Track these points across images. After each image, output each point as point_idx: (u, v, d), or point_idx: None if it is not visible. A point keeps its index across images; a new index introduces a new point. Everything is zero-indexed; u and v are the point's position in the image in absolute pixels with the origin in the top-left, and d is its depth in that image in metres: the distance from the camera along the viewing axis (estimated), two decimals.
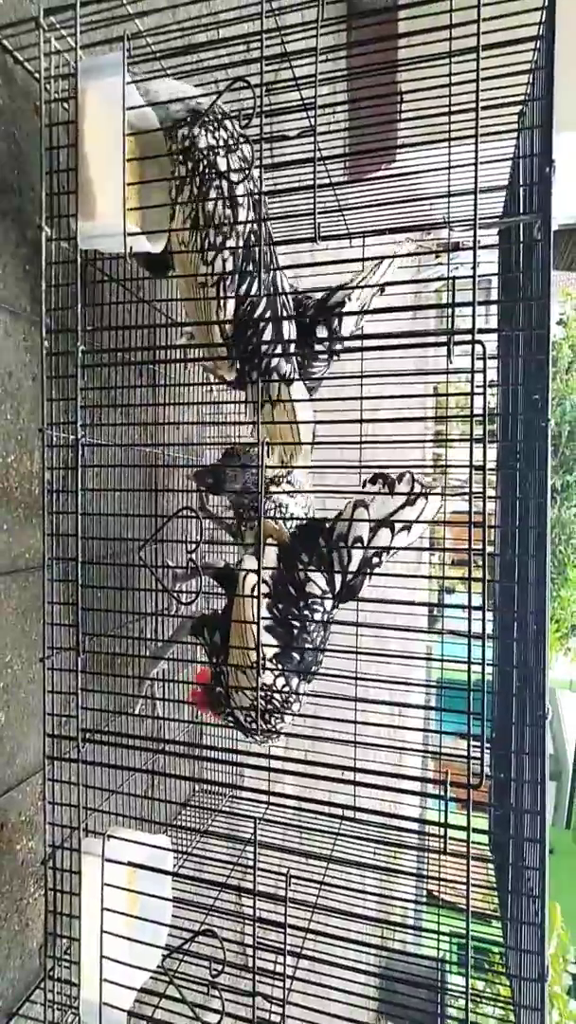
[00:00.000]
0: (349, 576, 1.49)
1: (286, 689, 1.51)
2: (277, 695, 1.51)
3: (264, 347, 1.51)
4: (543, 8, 1.31)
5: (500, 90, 1.56)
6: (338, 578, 1.49)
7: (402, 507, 1.46)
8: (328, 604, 1.51)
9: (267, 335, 1.51)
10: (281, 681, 1.50)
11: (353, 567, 1.47)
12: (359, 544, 1.46)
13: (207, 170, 1.41)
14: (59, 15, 1.31)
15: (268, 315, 1.52)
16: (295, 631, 1.50)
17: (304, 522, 1.69)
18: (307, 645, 1.50)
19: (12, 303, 1.47)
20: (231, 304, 1.49)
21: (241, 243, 1.46)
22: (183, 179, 1.42)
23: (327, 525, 1.52)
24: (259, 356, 1.51)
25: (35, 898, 1.55)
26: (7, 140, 1.43)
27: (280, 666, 1.50)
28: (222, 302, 1.48)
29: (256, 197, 1.44)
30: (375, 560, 1.49)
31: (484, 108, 1.07)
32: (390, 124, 1.72)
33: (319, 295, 1.73)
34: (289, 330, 1.57)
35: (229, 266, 1.45)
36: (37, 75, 1.36)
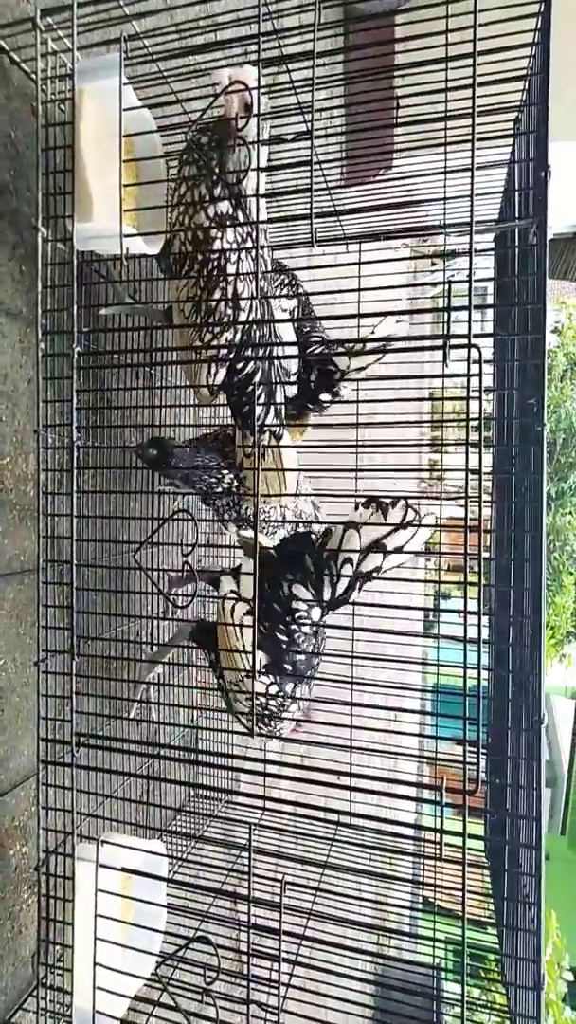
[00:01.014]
0: (338, 594, 1.48)
1: (280, 695, 1.51)
2: (273, 701, 1.51)
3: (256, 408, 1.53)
4: (539, 14, 1.31)
5: (496, 96, 1.57)
6: (327, 592, 1.49)
7: (394, 531, 1.45)
8: (316, 613, 1.50)
9: (261, 397, 1.53)
10: (275, 688, 1.50)
11: (341, 587, 1.47)
12: (349, 564, 1.45)
13: (215, 272, 1.42)
14: (56, 16, 1.31)
15: (261, 381, 1.53)
16: (284, 644, 1.49)
17: (289, 536, 1.68)
18: (298, 654, 1.50)
19: (8, 304, 1.46)
20: (222, 372, 1.51)
21: (239, 337, 1.48)
22: (191, 262, 1.44)
23: (315, 540, 1.51)
24: (253, 423, 1.53)
25: (28, 904, 1.54)
26: (3, 141, 1.43)
27: (271, 676, 1.49)
28: (213, 369, 1.49)
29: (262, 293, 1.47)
30: (363, 581, 1.49)
31: (480, 113, 1.07)
32: (387, 128, 1.72)
33: (319, 340, 1.77)
34: (283, 393, 1.59)
35: (224, 351, 1.47)
36: (34, 76, 1.36)
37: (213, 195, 1.38)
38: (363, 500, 1.50)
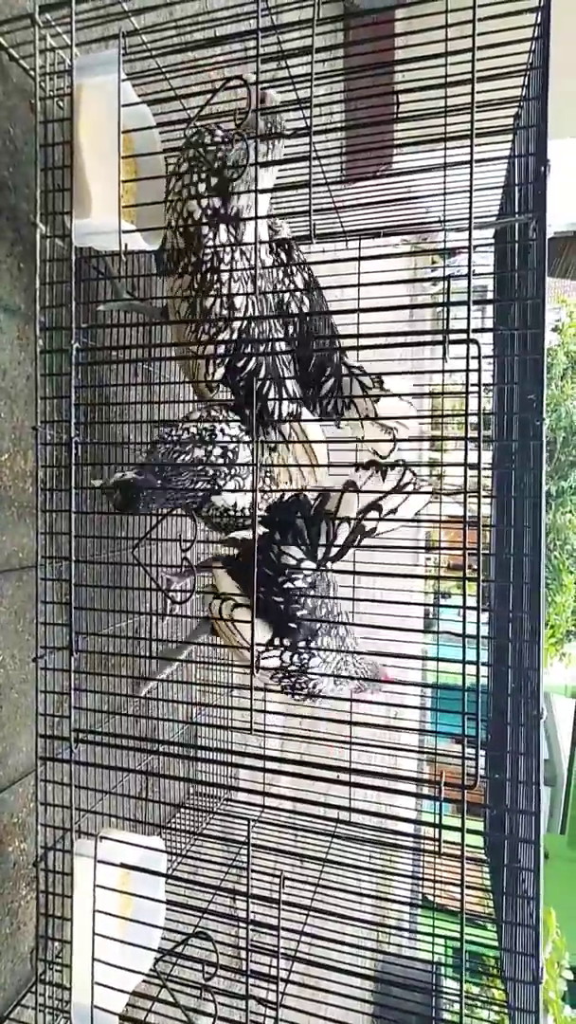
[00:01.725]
0: (334, 550, 1.49)
1: (296, 660, 1.50)
2: (293, 668, 1.51)
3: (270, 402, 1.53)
4: (539, 8, 1.31)
5: (496, 92, 1.57)
6: (321, 548, 1.49)
7: (391, 492, 1.47)
8: (309, 565, 1.50)
9: (270, 392, 1.53)
10: (288, 655, 1.49)
11: (340, 538, 1.48)
12: (346, 524, 1.47)
13: (209, 272, 1.43)
14: (54, 12, 1.31)
15: (267, 376, 1.54)
16: (282, 607, 1.48)
17: (275, 504, 1.68)
18: (299, 608, 1.49)
19: (6, 301, 1.46)
20: (220, 370, 1.51)
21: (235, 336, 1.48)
22: (185, 257, 1.44)
23: (308, 503, 1.52)
24: (268, 419, 1.54)
25: (27, 901, 1.54)
26: (2, 137, 1.42)
27: (279, 645, 1.49)
28: (212, 366, 1.49)
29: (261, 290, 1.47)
30: (361, 536, 1.50)
31: (480, 108, 1.07)
32: (386, 124, 1.72)
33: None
34: (293, 385, 1.59)
35: (221, 349, 1.47)
36: (32, 72, 1.36)
37: (209, 185, 1.39)
38: (363, 463, 1.52)
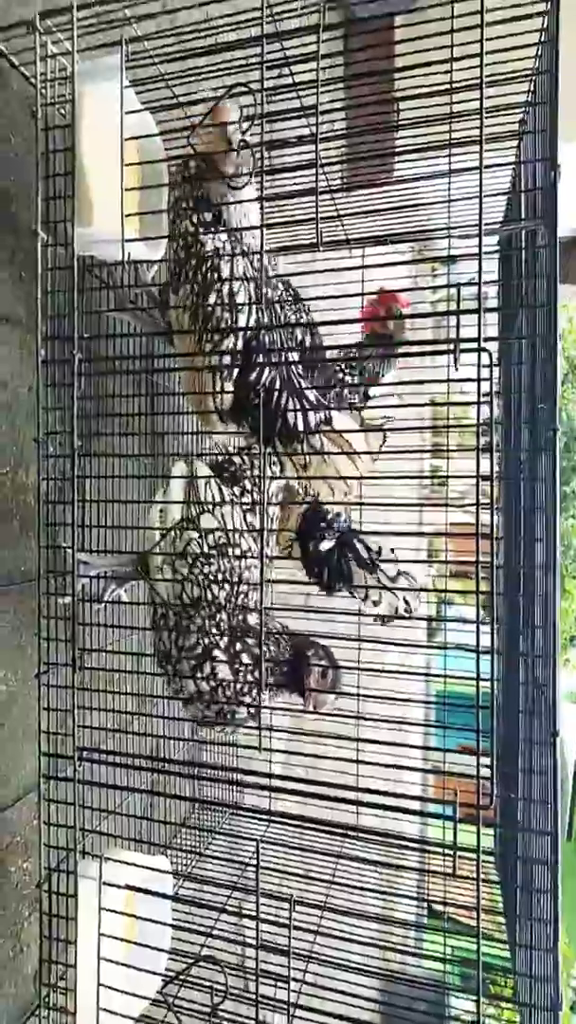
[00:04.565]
0: None
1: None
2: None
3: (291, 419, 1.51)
4: (546, 12, 1.29)
5: (501, 98, 1.55)
6: None
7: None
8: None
9: (289, 404, 1.51)
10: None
11: None
12: None
13: (209, 272, 1.41)
14: (55, 18, 1.29)
15: (283, 388, 1.51)
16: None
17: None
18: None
19: (7, 310, 1.44)
20: (228, 395, 1.48)
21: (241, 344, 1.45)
22: (185, 264, 1.43)
23: None
24: (292, 432, 1.51)
25: (30, 922, 1.51)
26: (3, 144, 1.41)
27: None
28: (219, 381, 1.47)
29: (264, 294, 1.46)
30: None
31: (485, 114, 1.05)
32: (388, 131, 1.70)
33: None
34: (314, 397, 1.56)
35: (227, 359, 1.45)
36: (33, 79, 1.34)
37: (199, 210, 1.39)
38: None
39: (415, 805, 1.21)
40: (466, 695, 1.11)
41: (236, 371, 1.47)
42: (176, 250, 1.46)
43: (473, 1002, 1.09)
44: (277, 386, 1.48)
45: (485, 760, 1.05)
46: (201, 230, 1.42)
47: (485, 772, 1.05)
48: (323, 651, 1.53)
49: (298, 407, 1.49)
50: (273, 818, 2.13)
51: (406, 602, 1.59)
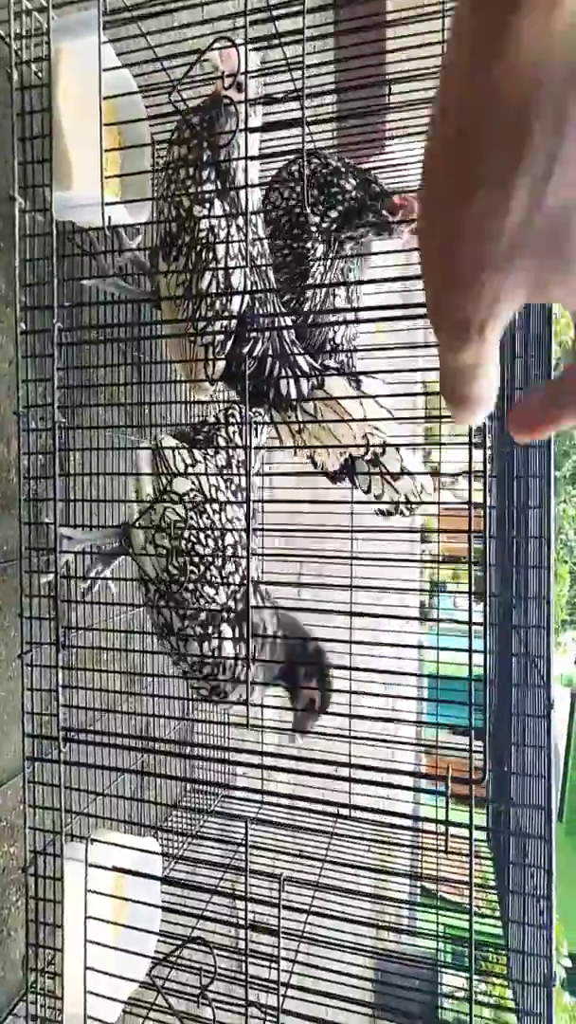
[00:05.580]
0: None
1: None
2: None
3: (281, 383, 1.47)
4: None
5: None
6: None
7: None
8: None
9: (281, 373, 1.47)
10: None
11: None
12: None
13: (204, 251, 1.36)
14: None
15: (274, 354, 1.47)
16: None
17: None
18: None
19: None
20: (220, 364, 1.44)
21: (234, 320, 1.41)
22: (178, 246, 1.37)
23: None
24: (285, 400, 1.47)
25: (17, 907, 1.48)
26: None
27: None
28: (211, 357, 1.43)
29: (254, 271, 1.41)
30: None
31: None
32: (379, 113, 1.67)
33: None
34: (304, 360, 1.52)
35: (220, 336, 1.40)
36: (7, 37, 1.29)
37: (200, 177, 1.32)
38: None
39: (408, 781, 1.19)
40: (456, 673, 1.09)
41: (229, 343, 1.44)
42: (168, 221, 1.41)
43: (466, 979, 1.08)
44: (270, 353, 1.45)
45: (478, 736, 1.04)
46: (197, 208, 1.36)
47: (478, 745, 1.03)
48: (316, 653, 1.47)
49: (290, 375, 1.46)
50: (266, 796, 2.12)
51: (407, 499, 1.56)
